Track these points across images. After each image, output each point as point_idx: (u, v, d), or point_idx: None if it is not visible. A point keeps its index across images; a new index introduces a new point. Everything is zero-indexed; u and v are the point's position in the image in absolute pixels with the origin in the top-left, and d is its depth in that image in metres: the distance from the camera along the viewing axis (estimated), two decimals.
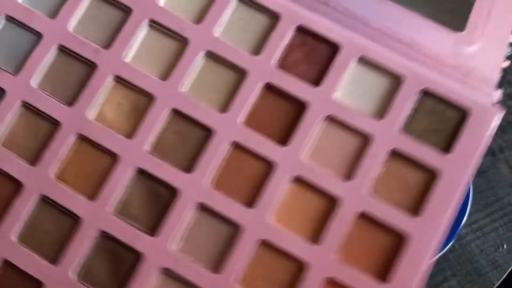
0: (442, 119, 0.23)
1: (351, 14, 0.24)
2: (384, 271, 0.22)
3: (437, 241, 0.21)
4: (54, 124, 0.23)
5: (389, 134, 0.22)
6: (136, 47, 0.24)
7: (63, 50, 0.24)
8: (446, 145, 0.23)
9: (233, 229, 0.22)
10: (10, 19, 0.24)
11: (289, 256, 0.22)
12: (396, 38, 0.24)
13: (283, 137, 0.23)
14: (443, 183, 0.22)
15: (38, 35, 0.24)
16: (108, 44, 0.24)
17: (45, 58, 0.24)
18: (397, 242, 0.22)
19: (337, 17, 0.24)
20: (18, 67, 0.24)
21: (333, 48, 0.23)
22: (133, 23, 0.24)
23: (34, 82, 0.24)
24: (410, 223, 0.22)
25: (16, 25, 0.24)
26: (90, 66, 0.24)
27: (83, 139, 0.23)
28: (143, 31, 0.24)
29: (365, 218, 0.22)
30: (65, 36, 0.24)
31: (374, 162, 0.22)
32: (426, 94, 0.23)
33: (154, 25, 0.24)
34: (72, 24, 0.24)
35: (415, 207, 0.22)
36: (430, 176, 0.22)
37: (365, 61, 0.23)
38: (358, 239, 0.22)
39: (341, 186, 0.22)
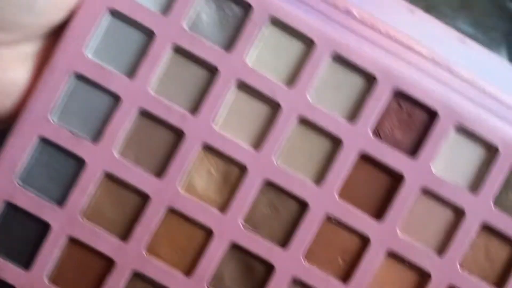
0: None
1: (438, 61, 0.23)
2: None
3: None
4: (142, 196, 0.22)
5: (482, 208, 0.23)
6: (224, 111, 0.22)
7: (146, 114, 0.22)
8: None
9: None
10: (81, 78, 0.22)
11: None
12: (480, 87, 0.24)
13: (378, 209, 0.23)
14: None
15: (115, 97, 0.22)
16: (194, 107, 0.22)
17: (126, 124, 0.22)
18: None
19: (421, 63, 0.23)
20: (96, 133, 0.22)
21: (430, 114, 0.23)
22: (220, 84, 0.22)
23: (116, 150, 0.22)
24: None
25: (88, 85, 0.22)
26: (177, 133, 0.22)
27: (173, 211, 0.22)
28: (231, 94, 0.22)
29: None
30: (147, 99, 0.22)
31: (465, 237, 0.23)
32: None
33: (243, 87, 0.22)
34: (153, 84, 0.22)
35: (500, 281, 0.23)
36: None
37: (462, 130, 0.23)
38: None
39: (433, 261, 0.23)
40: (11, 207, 0.22)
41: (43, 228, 0.22)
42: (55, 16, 0.21)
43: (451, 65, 0.23)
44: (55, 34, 0.22)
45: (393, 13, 0.25)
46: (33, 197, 0.22)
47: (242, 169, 0.22)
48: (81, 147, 0.22)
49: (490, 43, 0.28)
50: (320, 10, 0.23)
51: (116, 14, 0.22)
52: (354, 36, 0.23)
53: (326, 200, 0.22)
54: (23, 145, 0.22)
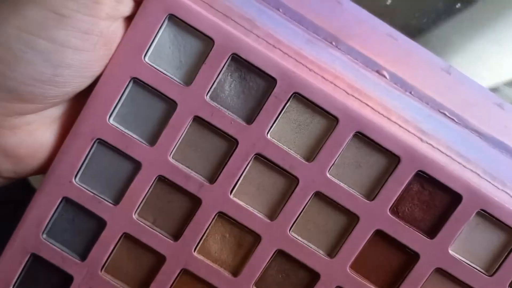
0: None
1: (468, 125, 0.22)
2: None
3: None
4: (158, 256, 0.23)
5: None
6: (241, 181, 0.23)
7: (165, 181, 0.23)
8: None
9: None
10: (103, 143, 0.23)
11: None
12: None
13: (389, 284, 0.23)
14: None
15: (136, 163, 0.23)
16: (211, 176, 0.23)
17: (145, 188, 0.23)
18: None
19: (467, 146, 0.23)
20: (116, 196, 0.23)
21: (453, 197, 0.22)
22: (239, 156, 0.22)
23: (135, 212, 0.23)
24: None
25: (111, 150, 0.23)
26: (194, 200, 0.23)
27: (187, 272, 0.23)
28: (249, 165, 0.22)
29: None
30: (167, 166, 0.23)
31: None
32: None
33: (261, 159, 0.22)
34: (173, 152, 0.23)
35: None
36: None
37: (484, 215, 0.22)
38: None
39: None
40: (37, 259, 0.24)
41: (66, 280, 0.24)
42: (81, 84, 0.21)
43: (487, 132, 0.23)
44: (80, 95, 0.23)
45: (427, 73, 0.24)
46: (57, 250, 0.23)
47: (256, 237, 0.23)
48: (102, 209, 0.23)
49: None
50: (346, 75, 0.22)
51: (139, 82, 0.22)
52: (383, 105, 0.22)
53: (337, 272, 0.23)
54: (48, 203, 0.23)
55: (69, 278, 0.24)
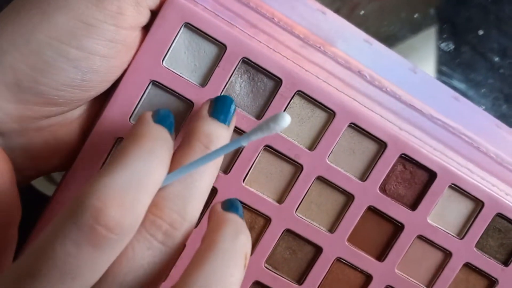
0: (508, 235, 0.29)
1: (433, 113, 0.28)
2: None
3: None
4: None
5: (466, 251, 0.28)
6: (252, 170, 0.27)
7: None
8: (506, 259, 0.29)
9: None
10: None
11: None
12: (469, 141, 0.29)
13: (380, 252, 0.28)
14: None
15: None
16: (225, 167, 0.27)
17: None
18: None
19: (435, 132, 0.28)
20: None
21: (429, 174, 0.28)
22: (250, 149, 0.26)
23: None
24: None
25: None
26: (211, 190, 0.26)
27: None
28: (259, 155, 0.27)
29: None
30: None
31: (450, 274, 0.28)
32: (498, 215, 0.29)
33: (270, 149, 0.27)
34: None
35: None
36: (490, 283, 0.29)
37: (455, 188, 0.28)
38: None
39: None
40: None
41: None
42: (103, 87, 0.24)
43: (446, 122, 0.28)
44: (97, 97, 0.25)
45: (398, 72, 0.29)
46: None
47: (267, 219, 0.27)
48: None
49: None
50: (337, 74, 0.27)
51: (158, 84, 0.25)
52: (366, 99, 0.27)
53: (337, 245, 0.28)
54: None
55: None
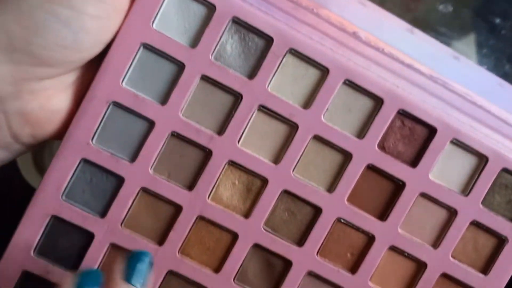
0: None
1: (435, 78, 0.28)
2: None
3: None
4: (176, 207, 0.27)
5: (472, 208, 0.28)
6: (246, 131, 0.27)
7: (177, 136, 0.26)
8: None
9: None
10: (118, 105, 0.26)
11: None
12: (472, 101, 0.28)
13: (382, 211, 0.28)
14: (509, 248, 0.28)
15: (149, 122, 0.26)
16: (220, 129, 0.27)
17: (159, 145, 0.26)
18: None
19: (420, 80, 0.28)
20: (132, 154, 0.27)
21: (429, 130, 0.27)
22: (244, 109, 0.27)
23: (151, 167, 0.27)
24: (479, 280, 0.28)
25: (125, 111, 0.26)
26: (205, 151, 0.27)
27: (203, 218, 0.27)
28: (253, 116, 0.27)
29: (445, 277, 0.29)
30: (178, 123, 0.26)
31: (457, 233, 0.28)
32: (504, 170, 0.28)
33: (264, 109, 0.27)
34: (183, 109, 0.26)
35: (485, 267, 0.29)
36: (499, 241, 0.29)
37: (456, 143, 0.28)
38: None
39: (429, 253, 0.28)
40: (58, 220, 0.27)
41: (87, 237, 0.27)
42: (97, 50, 0.25)
43: (446, 81, 0.28)
44: (90, 62, 0.26)
45: (395, 33, 0.29)
46: (77, 210, 0.27)
47: (263, 180, 0.27)
48: (120, 167, 0.26)
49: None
50: (330, 34, 0.27)
51: (149, 47, 0.26)
52: (361, 59, 0.27)
53: (336, 205, 0.28)
54: (67, 166, 0.26)
55: (90, 236, 0.27)
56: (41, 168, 0.39)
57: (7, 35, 0.23)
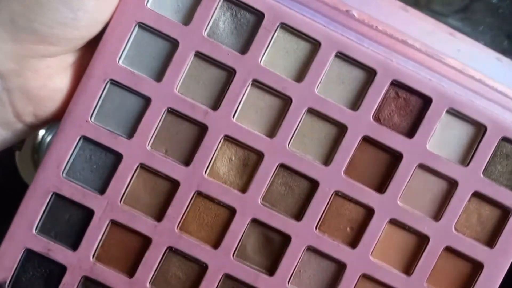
0: None
1: (427, 50, 0.28)
2: None
3: (506, 269, 0.28)
4: (173, 182, 0.28)
5: (472, 179, 0.28)
6: (241, 106, 0.28)
7: (173, 112, 0.28)
8: None
9: (338, 266, 0.29)
10: (115, 83, 0.27)
11: (386, 286, 0.28)
12: (470, 75, 0.29)
13: (380, 184, 0.29)
14: None
15: (146, 98, 0.28)
16: (214, 104, 0.28)
17: (156, 121, 0.27)
18: (473, 269, 0.29)
19: (415, 55, 0.28)
20: (130, 131, 0.28)
21: (424, 100, 0.28)
22: (238, 84, 0.28)
23: (148, 144, 0.28)
24: (485, 253, 0.28)
25: (122, 89, 0.28)
26: (201, 127, 0.28)
27: (200, 194, 0.28)
28: (247, 91, 0.28)
29: (449, 251, 0.29)
30: (174, 99, 0.28)
31: (459, 204, 0.28)
32: (505, 139, 0.28)
33: (257, 84, 0.28)
34: (178, 86, 0.27)
35: (491, 240, 0.29)
36: (504, 213, 0.29)
37: (453, 113, 0.28)
38: (443, 269, 0.29)
39: (431, 226, 0.28)
40: (59, 197, 0.28)
41: (87, 213, 0.28)
42: (95, 29, 0.27)
43: (442, 56, 0.28)
44: (89, 45, 0.27)
45: (388, 11, 0.30)
46: (77, 187, 0.28)
47: (259, 155, 0.28)
48: (118, 143, 0.28)
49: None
50: (323, 12, 0.28)
51: (143, 26, 0.27)
52: (354, 34, 0.28)
53: (334, 178, 0.28)
54: (67, 144, 0.28)
55: (90, 212, 0.28)
56: None
57: (9, 13, 0.25)
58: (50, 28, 0.25)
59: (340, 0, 0.29)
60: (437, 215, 0.29)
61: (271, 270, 0.29)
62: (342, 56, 0.28)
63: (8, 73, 0.26)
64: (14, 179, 0.42)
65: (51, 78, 0.27)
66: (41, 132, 0.42)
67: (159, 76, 0.28)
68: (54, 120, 0.29)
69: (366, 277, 0.29)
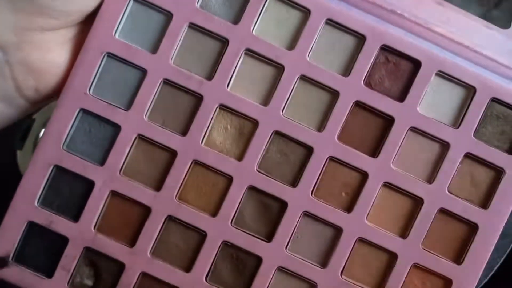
0: (508, 122, 0.29)
1: (416, 19, 0.29)
2: (459, 255, 0.29)
3: (501, 229, 0.29)
4: (171, 152, 0.29)
5: (464, 140, 0.29)
6: (235, 75, 0.29)
7: (169, 83, 0.28)
8: (510, 147, 0.29)
9: (335, 231, 0.29)
10: (112, 56, 0.28)
11: (382, 249, 0.29)
12: (458, 42, 0.29)
13: (373, 148, 0.29)
14: (507, 180, 0.29)
15: (142, 70, 0.29)
16: (209, 74, 0.29)
17: (152, 92, 0.28)
18: (468, 231, 0.29)
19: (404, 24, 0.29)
20: (128, 102, 0.29)
21: (414, 64, 0.29)
22: (231, 53, 0.29)
23: (146, 115, 0.28)
24: (479, 215, 0.29)
25: (119, 62, 0.29)
26: (196, 97, 0.29)
27: (198, 163, 0.29)
28: (240, 60, 0.28)
29: (444, 213, 0.29)
30: (169, 70, 0.29)
31: (451, 166, 0.29)
32: (494, 100, 0.29)
33: (250, 53, 0.29)
34: (173, 57, 0.28)
35: (484, 201, 0.29)
36: (497, 174, 0.29)
37: (442, 75, 0.29)
38: (438, 231, 0.29)
39: (424, 189, 0.29)
40: (60, 170, 0.29)
41: (87, 185, 0.29)
42: (93, 2, 0.27)
43: (430, 25, 0.29)
44: (87, 21, 0.28)
45: None
46: (77, 159, 0.29)
47: (254, 123, 0.29)
48: (116, 115, 0.29)
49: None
50: None
51: (138, 0, 0.28)
52: (344, 4, 0.29)
53: (327, 144, 0.29)
54: (66, 116, 0.29)
55: (90, 184, 0.29)
56: None
57: None
58: (49, 0, 0.26)
59: None
60: (430, 178, 0.30)
61: (269, 236, 0.30)
62: (332, 23, 0.29)
63: (9, 46, 0.27)
64: (15, 178, 0.42)
65: (50, 52, 0.28)
66: (42, 132, 0.43)
67: (154, 48, 0.29)
68: (55, 96, 0.30)
69: (362, 240, 0.30)
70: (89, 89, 0.29)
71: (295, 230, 0.30)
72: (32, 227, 0.29)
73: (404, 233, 0.30)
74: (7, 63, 0.27)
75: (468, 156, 0.30)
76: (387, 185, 0.30)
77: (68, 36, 0.29)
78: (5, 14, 0.26)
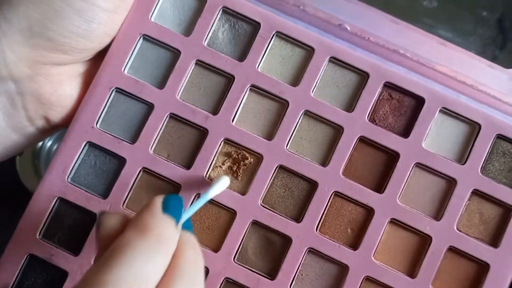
0: None
1: (419, 59, 0.30)
2: None
3: None
4: (174, 185, 0.30)
5: (471, 177, 0.29)
6: (240, 110, 0.30)
7: (175, 117, 0.30)
8: None
9: (341, 268, 0.29)
10: (120, 91, 0.30)
11: None
12: (461, 80, 0.30)
13: (378, 184, 0.30)
14: None
15: (149, 105, 0.30)
16: (214, 109, 0.30)
17: (158, 126, 0.29)
18: (479, 270, 0.29)
19: (407, 63, 0.30)
20: (134, 136, 0.30)
21: (417, 100, 0.30)
22: (236, 89, 0.30)
23: (151, 148, 0.29)
24: (490, 253, 0.29)
25: (126, 96, 0.30)
26: (201, 131, 0.30)
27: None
28: (245, 95, 0.30)
29: (453, 251, 0.29)
30: (175, 104, 0.30)
31: (459, 203, 0.29)
32: (500, 137, 0.29)
33: (255, 89, 0.30)
34: (180, 92, 0.30)
35: (495, 239, 0.29)
36: (506, 211, 0.29)
37: (446, 112, 0.29)
38: (448, 270, 0.29)
39: (432, 226, 0.29)
40: (63, 202, 0.29)
41: (90, 218, 0.29)
42: (105, 41, 0.30)
43: (433, 64, 0.30)
44: (98, 56, 0.30)
45: (379, 24, 0.32)
46: (81, 192, 0.29)
47: (258, 157, 0.29)
48: (122, 148, 0.30)
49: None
50: (317, 25, 0.31)
51: (148, 38, 0.30)
52: (347, 44, 0.30)
53: (332, 179, 0.29)
54: (73, 149, 0.30)
55: (93, 217, 0.29)
56: (40, 176, 0.43)
57: (27, 20, 0.28)
58: (63, 37, 0.28)
59: (332, 15, 0.32)
60: (438, 215, 0.30)
61: (272, 273, 0.30)
62: (335, 61, 0.31)
63: (22, 78, 0.28)
64: (14, 184, 0.43)
65: (62, 85, 0.30)
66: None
67: (161, 83, 0.31)
68: (63, 126, 0.31)
69: (369, 279, 0.29)
70: (97, 123, 0.30)
71: (299, 268, 0.30)
72: (32, 259, 0.30)
73: (412, 272, 0.30)
74: (19, 94, 0.29)
75: (476, 193, 0.30)
76: (394, 221, 0.30)
77: (79, 71, 0.30)
78: (20, 47, 0.28)
